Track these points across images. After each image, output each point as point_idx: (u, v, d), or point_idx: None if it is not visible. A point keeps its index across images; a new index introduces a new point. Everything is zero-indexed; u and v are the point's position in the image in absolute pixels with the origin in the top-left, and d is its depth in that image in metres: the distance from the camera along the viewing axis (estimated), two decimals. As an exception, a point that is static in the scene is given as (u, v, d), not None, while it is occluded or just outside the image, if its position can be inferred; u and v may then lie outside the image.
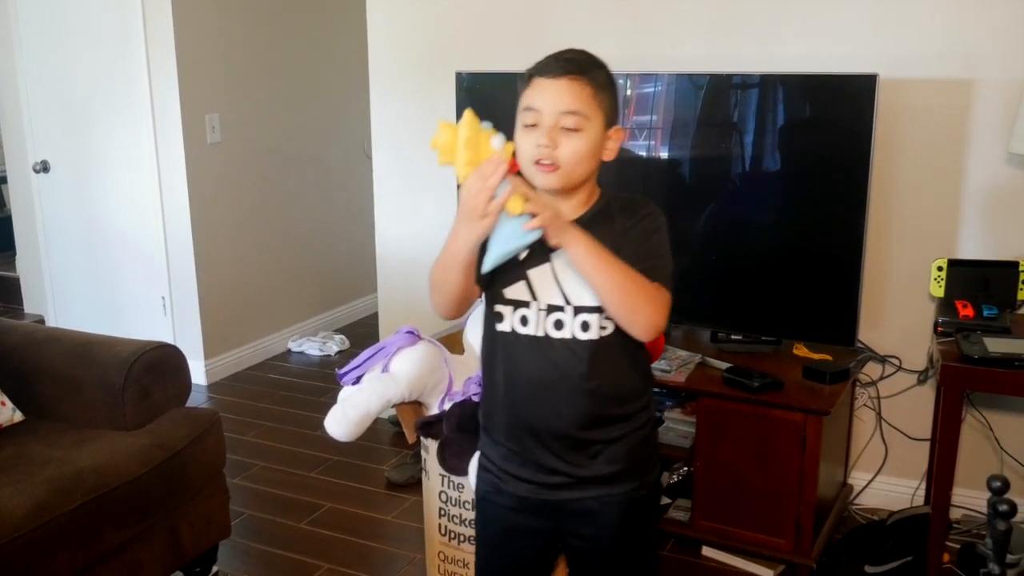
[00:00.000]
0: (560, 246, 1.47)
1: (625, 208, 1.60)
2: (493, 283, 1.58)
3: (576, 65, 1.52)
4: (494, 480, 1.69)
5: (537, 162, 1.51)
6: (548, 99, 1.50)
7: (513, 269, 1.56)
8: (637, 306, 1.52)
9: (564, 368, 1.57)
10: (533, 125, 1.51)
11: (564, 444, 1.60)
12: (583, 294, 1.54)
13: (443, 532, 2.55)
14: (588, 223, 1.55)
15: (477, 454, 1.82)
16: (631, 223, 1.58)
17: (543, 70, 1.53)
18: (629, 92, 2.97)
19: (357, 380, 2.50)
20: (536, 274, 1.57)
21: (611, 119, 1.56)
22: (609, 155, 1.57)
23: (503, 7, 3.33)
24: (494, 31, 3.36)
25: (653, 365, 2.66)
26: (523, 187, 1.45)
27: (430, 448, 2.49)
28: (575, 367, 1.56)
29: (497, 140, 1.44)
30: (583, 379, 1.57)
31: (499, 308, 1.60)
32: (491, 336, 1.65)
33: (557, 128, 1.50)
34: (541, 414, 1.60)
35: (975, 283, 2.66)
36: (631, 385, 1.65)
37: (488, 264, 1.49)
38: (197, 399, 4.06)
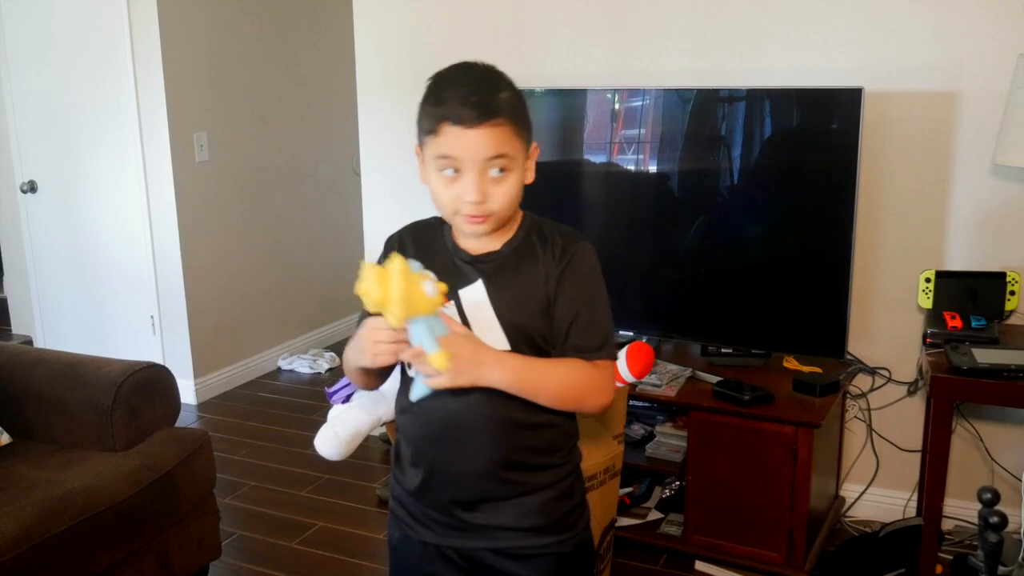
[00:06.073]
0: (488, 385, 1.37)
1: (550, 241, 1.47)
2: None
3: (491, 105, 1.35)
4: (403, 527, 1.56)
5: (467, 215, 1.39)
6: (470, 150, 1.35)
7: None
8: (581, 402, 1.47)
9: (472, 412, 1.42)
10: (453, 172, 1.38)
11: (472, 488, 1.47)
12: (492, 336, 1.41)
13: (435, 550, 2.53)
14: (509, 256, 1.46)
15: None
16: (561, 266, 1.44)
17: (455, 117, 1.35)
18: (617, 107, 2.99)
19: (347, 398, 2.50)
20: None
21: (529, 141, 1.43)
22: (530, 176, 1.45)
23: (490, 23, 3.35)
24: (481, 47, 3.36)
25: (644, 379, 2.67)
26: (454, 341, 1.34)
27: (421, 465, 2.48)
28: (484, 411, 1.42)
29: (430, 287, 1.30)
30: (493, 425, 1.44)
31: None
32: (403, 380, 1.52)
33: (484, 176, 1.37)
34: (449, 456, 1.47)
35: (963, 294, 2.67)
36: (550, 435, 1.50)
37: (416, 397, 1.41)
38: (187, 419, 4.04)
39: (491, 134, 1.35)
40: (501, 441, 1.46)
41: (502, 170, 1.37)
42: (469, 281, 1.45)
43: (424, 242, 1.54)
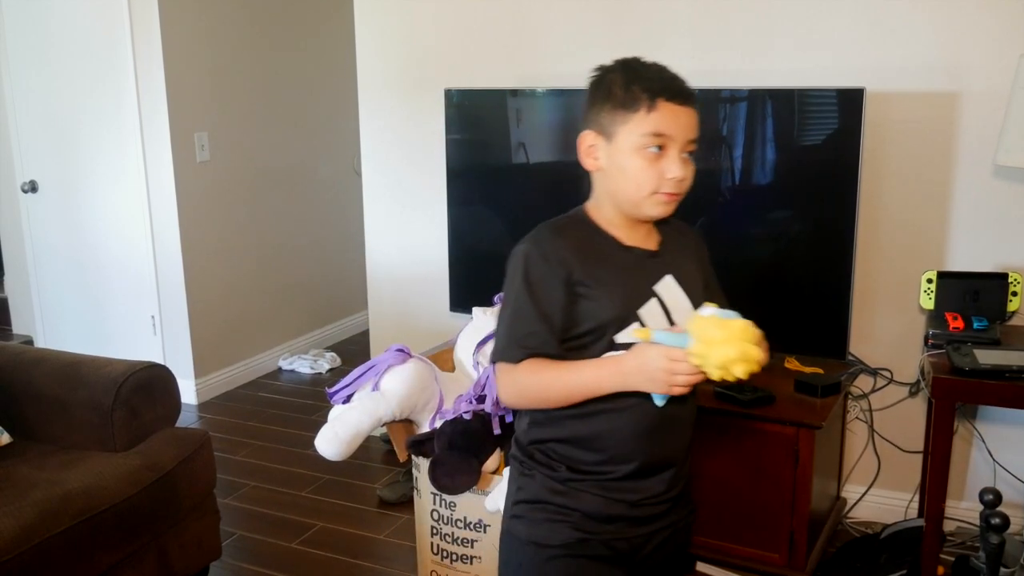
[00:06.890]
0: None
1: (681, 227, 1.59)
2: (599, 336, 1.45)
3: (691, 90, 1.46)
4: (578, 534, 1.51)
5: (665, 193, 1.44)
6: (681, 127, 1.42)
7: (620, 316, 1.45)
8: None
9: (682, 397, 1.46)
10: (659, 150, 1.42)
11: (673, 474, 1.54)
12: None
13: (435, 551, 2.53)
14: (673, 246, 1.54)
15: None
16: (702, 248, 1.61)
17: (673, 94, 1.43)
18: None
19: (347, 399, 2.49)
20: (647, 313, 1.46)
21: None
22: None
23: (491, 24, 3.34)
24: (482, 48, 3.36)
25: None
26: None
27: (421, 466, 2.48)
28: (690, 394, 1.47)
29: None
30: (694, 402, 1.55)
31: (612, 356, 1.47)
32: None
33: (682, 156, 1.43)
34: (663, 449, 1.51)
35: (965, 295, 2.67)
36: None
37: (662, 401, 1.45)
38: (187, 419, 4.04)
39: (694, 116, 1.45)
40: (693, 421, 1.58)
41: (690, 153, 1.45)
42: (658, 277, 1.49)
43: (587, 246, 1.50)
